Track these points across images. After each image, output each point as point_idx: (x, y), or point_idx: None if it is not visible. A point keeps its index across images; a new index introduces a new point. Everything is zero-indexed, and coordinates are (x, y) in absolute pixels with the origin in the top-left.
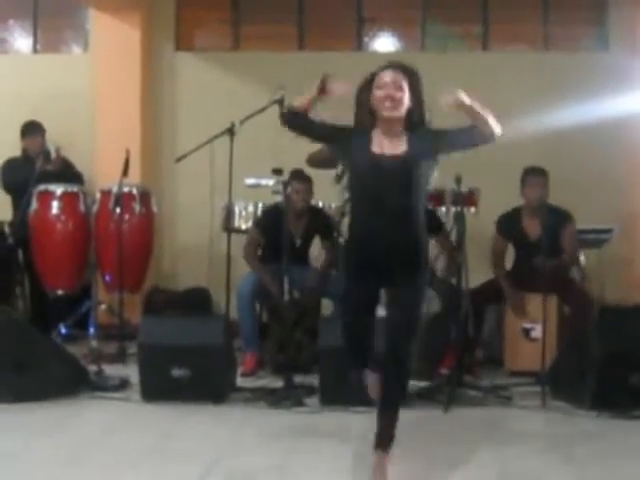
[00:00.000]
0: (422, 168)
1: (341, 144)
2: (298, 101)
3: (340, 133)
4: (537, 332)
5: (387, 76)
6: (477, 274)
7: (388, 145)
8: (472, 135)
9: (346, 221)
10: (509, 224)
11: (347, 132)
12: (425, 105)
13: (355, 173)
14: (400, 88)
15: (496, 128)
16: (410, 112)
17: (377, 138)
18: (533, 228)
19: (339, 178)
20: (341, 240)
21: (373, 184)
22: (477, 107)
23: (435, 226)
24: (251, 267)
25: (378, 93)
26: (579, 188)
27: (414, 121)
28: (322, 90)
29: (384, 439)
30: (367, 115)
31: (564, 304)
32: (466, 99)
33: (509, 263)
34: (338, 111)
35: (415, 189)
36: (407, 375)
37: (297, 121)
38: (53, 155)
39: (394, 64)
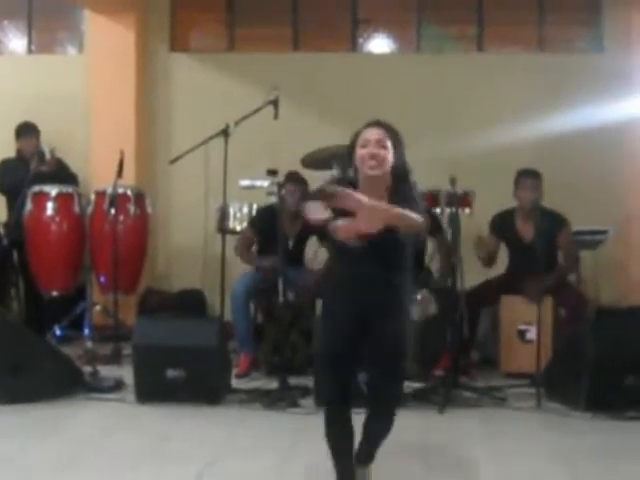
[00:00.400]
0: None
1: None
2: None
3: None
4: (532, 334)
5: (370, 134)
6: (472, 275)
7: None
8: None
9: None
10: (502, 224)
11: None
12: (407, 164)
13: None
14: (383, 146)
15: (420, 222)
16: (394, 170)
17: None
18: (527, 230)
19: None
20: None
21: (351, 250)
22: (389, 213)
23: (434, 227)
24: (244, 260)
25: (361, 152)
26: (574, 190)
27: (397, 179)
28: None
29: (364, 456)
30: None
31: (559, 306)
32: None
33: (502, 265)
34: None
35: (399, 250)
36: (394, 412)
37: None
38: (48, 156)
39: (377, 123)
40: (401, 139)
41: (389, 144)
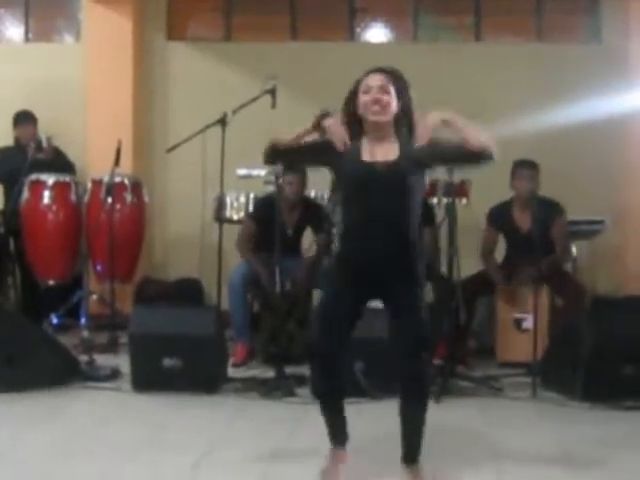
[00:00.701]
0: (416, 174)
1: (331, 158)
2: (284, 140)
3: (328, 147)
4: (529, 323)
5: (373, 80)
6: (468, 265)
7: (379, 151)
8: (464, 150)
9: (338, 211)
10: (500, 216)
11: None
12: (413, 111)
13: (346, 184)
14: (387, 92)
15: (491, 144)
16: (398, 118)
17: (366, 146)
18: (524, 221)
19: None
20: (333, 231)
21: (365, 193)
22: (462, 122)
23: (429, 218)
24: (243, 257)
25: (364, 98)
26: (571, 180)
27: (402, 127)
28: (317, 127)
29: (409, 454)
30: (355, 124)
31: (556, 295)
32: (447, 115)
33: (500, 256)
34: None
35: (410, 196)
36: (428, 390)
37: (282, 159)
38: (45, 144)
39: (380, 68)
40: (406, 85)
41: (392, 90)
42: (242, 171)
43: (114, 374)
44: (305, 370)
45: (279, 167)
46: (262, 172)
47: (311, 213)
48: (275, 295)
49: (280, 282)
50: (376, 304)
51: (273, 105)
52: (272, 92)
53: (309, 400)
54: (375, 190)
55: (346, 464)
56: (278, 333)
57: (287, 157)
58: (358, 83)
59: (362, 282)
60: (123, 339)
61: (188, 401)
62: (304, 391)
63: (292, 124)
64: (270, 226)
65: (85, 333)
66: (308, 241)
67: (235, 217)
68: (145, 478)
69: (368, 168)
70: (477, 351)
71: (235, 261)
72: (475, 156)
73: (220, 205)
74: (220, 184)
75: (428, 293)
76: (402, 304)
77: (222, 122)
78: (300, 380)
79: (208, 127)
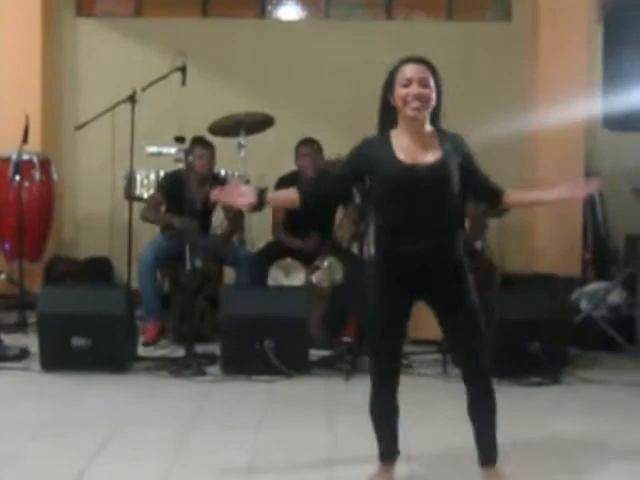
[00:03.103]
0: (457, 177)
1: (363, 170)
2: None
3: (358, 164)
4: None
5: (412, 72)
6: None
7: (419, 151)
8: (488, 195)
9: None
10: None
11: (364, 153)
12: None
13: (383, 187)
14: (427, 85)
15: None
16: (433, 110)
17: (402, 142)
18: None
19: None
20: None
21: (406, 198)
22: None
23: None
24: (154, 220)
25: (403, 91)
26: (481, 156)
27: (436, 121)
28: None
29: (488, 454)
30: (391, 116)
31: None
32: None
33: None
34: None
35: (455, 199)
36: (492, 385)
37: (316, 200)
38: None
39: (418, 59)
40: (441, 77)
41: (432, 83)
42: (152, 149)
43: (23, 354)
44: (215, 349)
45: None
46: (172, 150)
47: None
48: (185, 273)
49: (190, 259)
50: (289, 282)
51: (183, 82)
52: (182, 69)
53: (219, 378)
54: (415, 195)
55: None
56: (188, 311)
57: (321, 196)
58: (394, 73)
59: (407, 282)
60: (32, 319)
61: (97, 380)
62: (214, 369)
63: (202, 101)
64: (178, 201)
65: None
66: (220, 218)
67: (145, 195)
68: (49, 456)
69: (407, 170)
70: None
71: (145, 239)
72: (492, 205)
73: (130, 183)
74: (130, 162)
75: (339, 272)
76: (457, 317)
77: (132, 99)
78: (210, 359)
79: (118, 104)
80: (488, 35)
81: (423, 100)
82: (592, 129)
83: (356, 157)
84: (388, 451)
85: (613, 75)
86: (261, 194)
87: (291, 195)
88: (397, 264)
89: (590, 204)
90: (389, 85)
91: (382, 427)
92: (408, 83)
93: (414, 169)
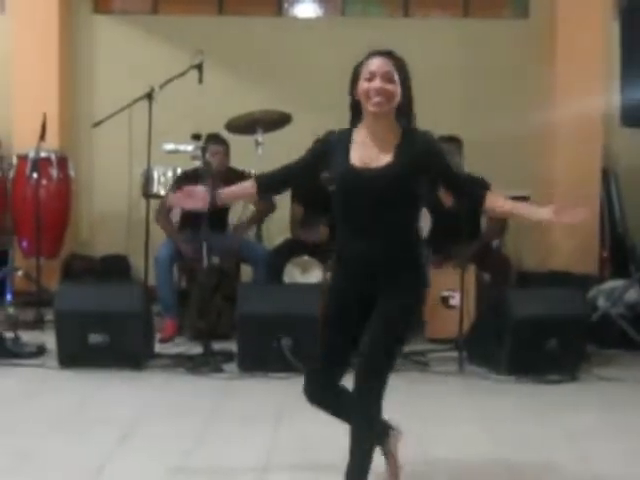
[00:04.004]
0: (413, 180)
1: (324, 163)
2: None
3: (316, 157)
4: (456, 300)
5: (376, 65)
6: None
7: (374, 152)
8: (467, 193)
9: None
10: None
11: (324, 147)
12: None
13: (335, 188)
14: (391, 80)
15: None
16: (400, 107)
17: (360, 140)
18: (448, 196)
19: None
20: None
21: (352, 200)
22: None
23: None
24: (165, 230)
25: (365, 85)
26: (496, 154)
27: (403, 118)
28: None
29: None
30: (359, 112)
31: (482, 271)
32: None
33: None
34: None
35: (401, 203)
36: (378, 400)
37: (272, 190)
38: None
39: (384, 52)
40: (409, 71)
41: (397, 78)
42: (169, 146)
43: (40, 351)
44: (232, 346)
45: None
46: (189, 147)
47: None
48: (202, 270)
49: (207, 257)
50: (305, 279)
51: (200, 80)
52: (199, 67)
53: (236, 375)
54: (361, 199)
55: None
56: (206, 309)
57: (276, 185)
58: (359, 67)
59: (355, 292)
60: (49, 316)
61: (114, 377)
62: (231, 366)
63: (219, 99)
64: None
65: (10, 310)
66: (237, 215)
67: (162, 192)
68: (67, 452)
69: (355, 173)
70: None
71: (162, 237)
72: (476, 202)
73: (147, 180)
74: (147, 159)
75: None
76: (386, 309)
77: (149, 97)
78: (227, 356)
79: (135, 102)
80: (505, 32)
81: (386, 95)
82: (610, 126)
83: (315, 151)
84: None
85: (630, 72)
86: (214, 196)
87: (248, 188)
88: (346, 263)
89: (607, 201)
90: (354, 79)
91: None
92: (371, 77)
93: (361, 173)
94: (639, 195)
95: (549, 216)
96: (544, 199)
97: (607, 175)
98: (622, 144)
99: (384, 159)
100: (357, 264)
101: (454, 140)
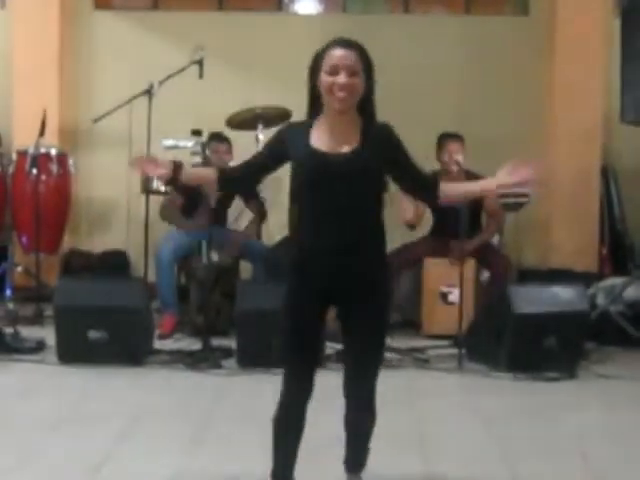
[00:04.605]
0: (374, 169)
1: (279, 155)
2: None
3: (274, 149)
4: (455, 296)
5: (339, 58)
6: (392, 239)
7: (336, 140)
8: (422, 187)
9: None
10: None
11: (281, 137)
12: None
13: (296, 175)
14: (355, 73)
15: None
16: (363, 100)
17: (321, 130)
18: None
19: None
20: (263, 196)
21: (316, 189)
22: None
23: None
24: (171, 221)
25: (328, 80)
26: (495, 151)
27: (366, 111)
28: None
29: (353, 465)
30: (319, 102)
31: (482, 268)
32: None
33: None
34: None
35: (369, 194)
36: (373, 406)
37: (230, 184)
38: None
39: (346, 42)
40: (372, 63)
41: (361, 69)
42: (168, 142)
43: (39, 346)
44: (231, 342)
45: (206, 138)
46: (189, 143)
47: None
48: (202, 266)
49: (207, 253)
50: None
51: (200, 76)
52: (199, 63)
53: (235, 372)
54: (328, 184)
55: None
56: (205, 305)
57: (235, 180)
58: (319, 58)
59: (315, 289)
60: (48, 311)
61: (113, 373)
62: (230, 363)
63: (219, 95)
64: (195, 196)
65: (10, 305)
66: (236, 211)
67: (162, 188)
68: (66, 448)
69: (318, 158)
70: (403, 324)
71: (162, 233)
72: (428, 198)
73: (147, 177)
74: (147, 155)
75: None
76: (359, 321)
77: (149, 93)
78: (226, 352)
79: (135, 97)
80: (505, 29)
81: (350, 90)
82: (610, 124)
83: (273, 142)
84: (280, 475)
85: (631, 69)
86: (177, 168)
87: (209, 175)
88: (306, 260)
89: (607, 199)
90: (314, 70)
91: (280, 444)
92: (334, 71)
93: (325, 157)
94: (639, 193)
95: (501, 180)
96: (544, 197)
97: (607, 173)
98: (622, 142)
99: (349, 146)
100: (326, 251)
101: (457, 137)
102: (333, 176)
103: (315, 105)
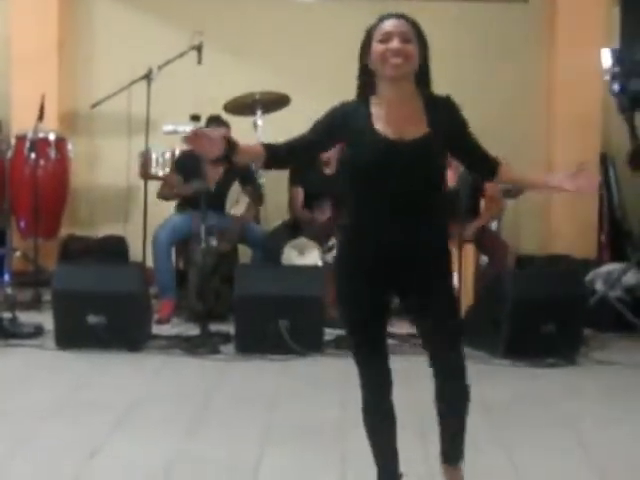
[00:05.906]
0: (442, 150)
1: (338, 134)
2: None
3: (328, 128)
4: (454, 281)
5: (391, 26)
6: None
7: (401, 123)
8: (483, 166)
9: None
10: None
11: (335, 118)
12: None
13: (354, 158)
14: (409, 40)
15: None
16: (419, 72)
17: (382, 111)
18: (449, 177)
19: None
20: (261, 181)
21: (383, 177)
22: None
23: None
24: (170, 196)
25: (380, 47)
26: (497, 140)
27: (424, 83)
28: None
29: (451, 454)
30: (371, 82)
31: (481, 253)
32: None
33: None
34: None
35: (437, 175)
36: (466, 384)
37: (279, 163)
38: None
39: (395, 14)
40: (425, 34)
41: (414, 37)
42: (168, 127)
43: (37, 331)
44: (230, 327)
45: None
46: (188, 128)
47: (237, 166)
48: (200, 251)
49: (205, 238)
50: (303, 261)
51: (199, 61)
52: (198, 48)
53: (233, 357)
54: (397, 172)
55: None
56: (204, 290)
57: (284, 157)
58: (371, 31)
59: (381, 274)
60: (46, 296)
61: (112, 358)
62: (228, 348)
63: (218, 80)
64: (193, 180)
65: (8, 290)
66: (235, 196)
67: (160, 173)
68: (64, 434)
69: (390, 146)
70: (402, 310)
71: (160, 217)
72: (487, 176)
73: (145, 161)
74: (145, 140)
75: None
76: (433, 302)
77: (147, 77)
78: (225, 337)
79: (133, 82)
80: (505, 16)
81: (404, 56)
82: (608, 112)
83: (328, 119)
84: (386, 476)
85: (630, 57)
86: (231, 149)
87: (258, 151)
88: (367, 252)
89: (606, 185)
90: (366, 45)
91: (376, 441)
92: (387, 38)
93: (396, 145)
94: (637, 180)
95: (561, 184)
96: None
97: (605, 160)
98: (621, 130)
99: (417, 129)
100: (382, 252)
101: None
102: (402, 164)
103: (365, 87)
